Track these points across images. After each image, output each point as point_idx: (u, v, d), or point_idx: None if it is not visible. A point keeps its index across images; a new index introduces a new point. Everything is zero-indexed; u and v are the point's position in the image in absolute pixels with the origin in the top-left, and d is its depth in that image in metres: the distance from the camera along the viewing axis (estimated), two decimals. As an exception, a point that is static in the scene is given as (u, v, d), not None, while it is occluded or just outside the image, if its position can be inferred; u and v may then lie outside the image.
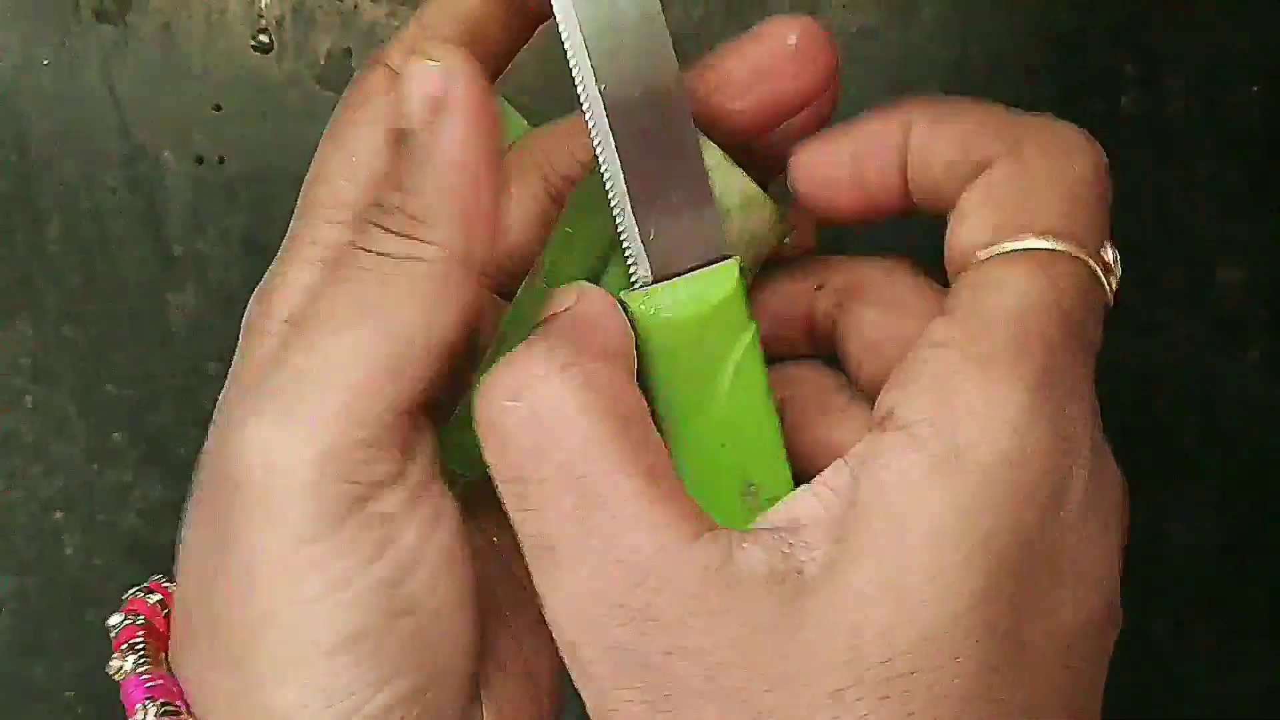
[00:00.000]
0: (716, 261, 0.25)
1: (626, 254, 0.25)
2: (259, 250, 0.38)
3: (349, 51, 0.38)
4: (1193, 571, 0.37)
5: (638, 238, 0.25)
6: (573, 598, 0.21)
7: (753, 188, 0.26)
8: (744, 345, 0.25)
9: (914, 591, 0.19)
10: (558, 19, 0.25)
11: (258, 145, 0.38)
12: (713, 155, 0.25)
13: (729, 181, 0.26)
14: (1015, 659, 0.20)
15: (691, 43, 0.37)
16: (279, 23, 0.38)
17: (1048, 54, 0.37)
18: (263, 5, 0.38)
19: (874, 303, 0.26)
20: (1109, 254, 0.24)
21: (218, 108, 0.38)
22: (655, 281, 0.25)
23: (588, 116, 0.25)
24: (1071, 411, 0.21)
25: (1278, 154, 0.37)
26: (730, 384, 0.25)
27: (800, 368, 0.28)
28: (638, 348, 0.25)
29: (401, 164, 0.22)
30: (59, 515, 0.39)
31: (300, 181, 0.38)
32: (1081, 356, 0.22)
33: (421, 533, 0.22)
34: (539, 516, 0.21)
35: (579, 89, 0.25)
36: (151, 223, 0.38)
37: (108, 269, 0.38)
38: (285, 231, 0.38)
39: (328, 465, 0.21)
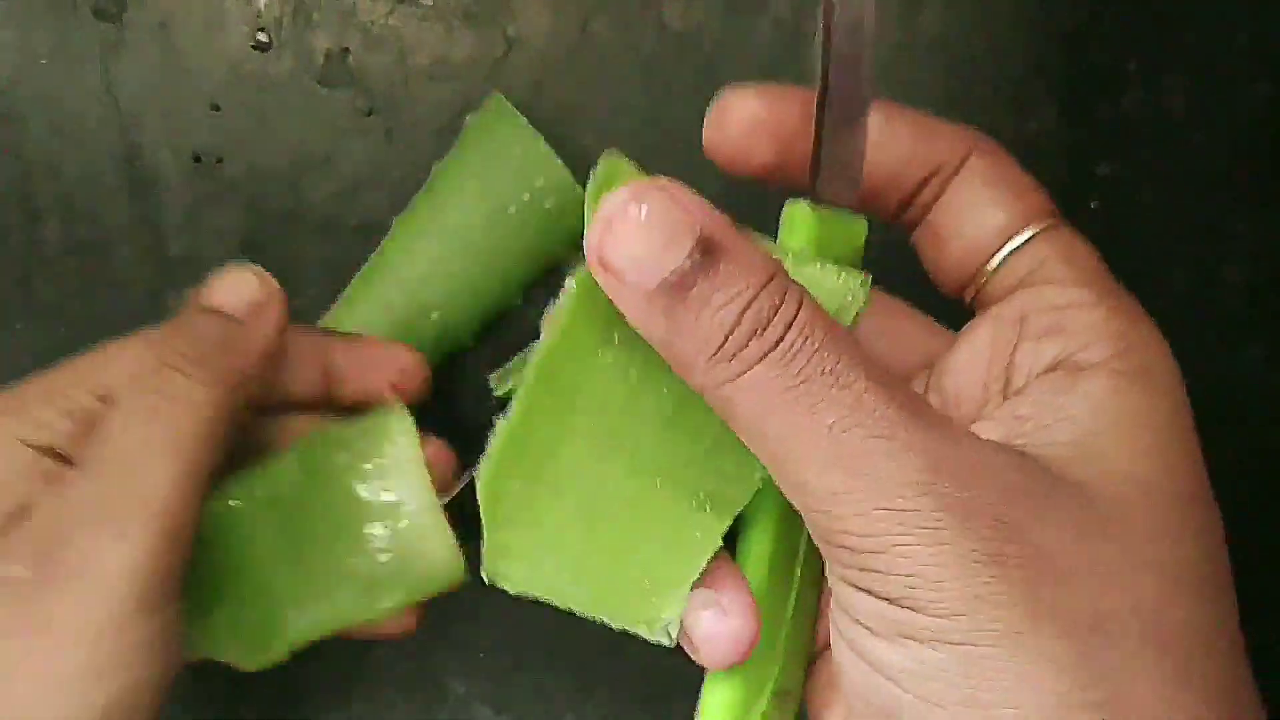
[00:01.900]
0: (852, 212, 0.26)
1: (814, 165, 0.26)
2: (257, 250, 0.38)
3: (347, 51, 0.38)
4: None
5: (831, 149, 0.26)
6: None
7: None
8: (858, 285, 0.25)
9: (1159, 465, 0.24)
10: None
11: (256, 144, 0.38)
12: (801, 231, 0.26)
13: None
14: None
15: (691, 43, 0.37)
16: (277, 22, 0.38)
17: (1049, 53, 0.37)
18: (261, 4, 0.38)
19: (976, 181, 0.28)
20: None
21: (216, 107, 0.38)
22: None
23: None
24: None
25: (1278, 153, 0.37)
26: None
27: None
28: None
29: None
30: (57, 516, 0.39)
31: (299, 181, 0.38)
32: None
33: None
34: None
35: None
36: (149, 222, 0.38)
37: (105, 268, 0.38)
38: (282, 231, 0.38)
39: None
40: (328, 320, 0.36)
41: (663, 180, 0.22)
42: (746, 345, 0.21)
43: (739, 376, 0.21)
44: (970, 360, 0.26)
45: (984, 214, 0.26)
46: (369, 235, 0.37)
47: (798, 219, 0.26)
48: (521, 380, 0.24)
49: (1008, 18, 0.37)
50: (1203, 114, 0.37)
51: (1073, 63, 0.37)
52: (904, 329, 0.29)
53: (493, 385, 0.37)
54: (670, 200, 0.22)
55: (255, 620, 0.30)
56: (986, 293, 0.27)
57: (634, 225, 0.21)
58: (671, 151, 0.37)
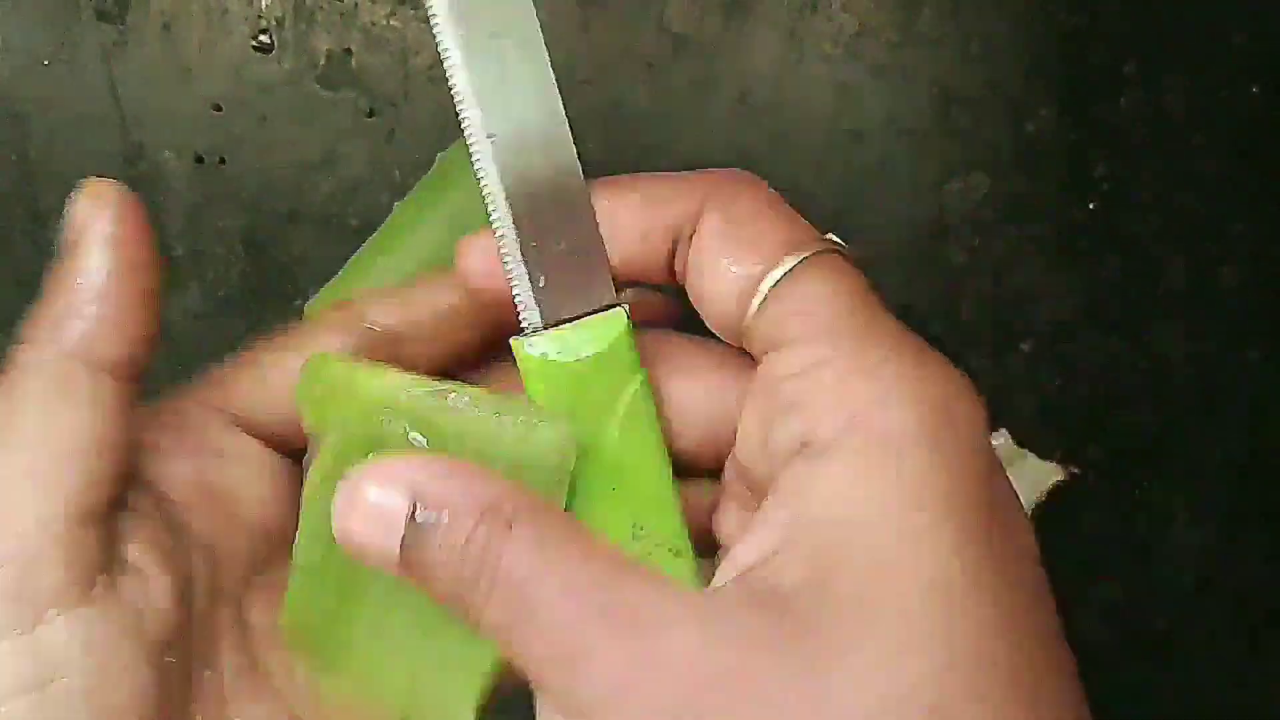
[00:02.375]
0: (606, 309, 0.26)
1: (517, 300, 0.26)
2: (259, 250, 0.38)
3: (349, 51, 0.38)
4: (1192, 569, 0.37)
5: (527, 284, 0.26)
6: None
7: None
8: (633, 390, 0.26)
9: (906, 556, 0.20)
10: (441, 54, 0.25)
11: (258, 145, 0.38)
12: None
13: None
14: (1001, 578, 0.21)
15: (691, 43, 0.37)
16: (279, 23, 0.38)
17: (1047, 54, 0.37)
18: (263, 5, 0.38)
19: (680, 372, 0.27)
20: (830, 236, 0.25)
21: (218, 107, 0.38)
22: (545, 328, 0.26)
23: (476, 160, 0.25)
24: (940, 360, 0.23)
25: (1277, 153, 0.37)
26: (621, 428, 0.26)
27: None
28: (529, 393, 0.26)
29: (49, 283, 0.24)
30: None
31: (299, 181, 0.38)
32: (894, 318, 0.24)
33: (91, 678, 0.22)
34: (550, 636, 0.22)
35: (467, 134, 0.26)
36: (152, 222, 0.38)
37: (108, 269, 0.38)
38: (284, 231, 0.38)
39: None
40: (317, 304, 0.37)
41: (381, 462, 0.23)
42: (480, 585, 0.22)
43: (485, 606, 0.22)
44: (745, 442, 0.25)
45: (719, 275, 0.24)
46: (370, 235, 0.37)
47: (520, 360, 0.26)
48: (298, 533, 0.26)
49: (1006, 19, 0.37)
50: (1201, 115, 0.37)
51: (1071, 64, 0.37)
52: (699, 384, 0.27)
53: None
54: (384, 480, 0.22)
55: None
56: (756, 355, 0.25)
57: (360, 513, 0.22)
58: (671, 152, 0.37)
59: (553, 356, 0.25)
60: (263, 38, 0.38)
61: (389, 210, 0.37)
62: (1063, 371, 0.37)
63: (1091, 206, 0.37)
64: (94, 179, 0.24)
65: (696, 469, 0.27)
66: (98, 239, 0.24)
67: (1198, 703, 0.37)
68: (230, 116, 0.38)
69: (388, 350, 0.27)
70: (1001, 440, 0.37)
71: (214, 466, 0.26)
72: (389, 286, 0.35)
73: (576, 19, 0.37)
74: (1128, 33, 0.37)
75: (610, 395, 0.25)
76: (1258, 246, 0.37)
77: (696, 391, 0.26)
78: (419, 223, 0.36)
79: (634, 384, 0.26)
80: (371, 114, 0.38)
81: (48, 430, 0.23)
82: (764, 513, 0.22)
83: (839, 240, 0.25)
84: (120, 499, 0.24)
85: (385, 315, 0.27)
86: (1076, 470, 0.36)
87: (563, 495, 0.25)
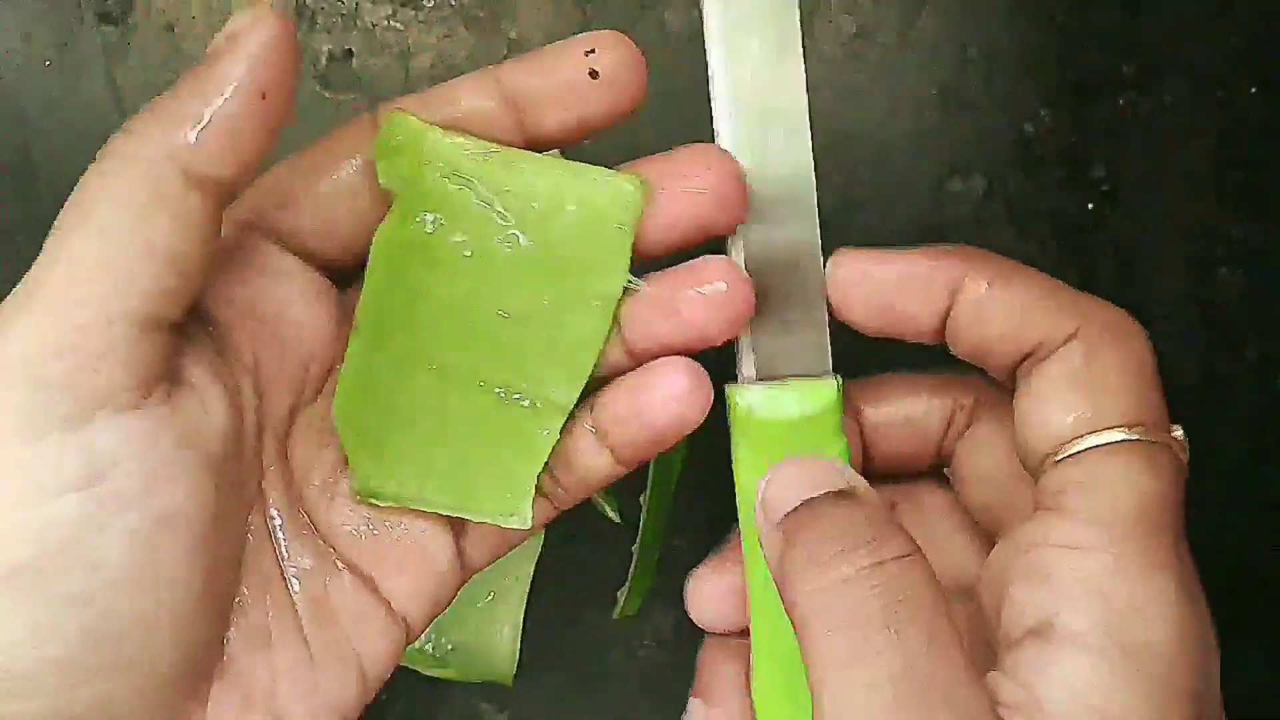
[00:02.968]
0: (819, 377, 0.27)
1: (737, 348, 0.27)
2: (261, 250, 0.38)
3: (350, 53, 0.38)
4: (1191, 570, 0.37)
5: (747, 336, 0.27)
6: None
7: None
8: (834, 455, 0.27)
9: None
10: (714, 124, 0.28)
11: (259, 146, 0.38)
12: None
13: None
14: None
15: (692, 45, 0.37)
16: (281, 24, 0.38)
17: (1046, 55, 0.37)
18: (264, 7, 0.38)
19: (992, 422, 0.28)
20: (1178, 432, 0.25)
21: (220, 109, 0.38)
22: (758, 380, 0.27)
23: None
24: (1199, 590, 0.23)
25: (1275, 154, 0.37)
26: None
27: (916, 487, 0.30)
28: (733, 438, 0.27)
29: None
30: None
31: (302, 182, 0.38)
32: (1183, 534, 0.24)
33: (143, 482, 0.21)
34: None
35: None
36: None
37: (110, 269, 0.38)
38: (287, 232, 0.38)
39: (32, 367, 0.20)
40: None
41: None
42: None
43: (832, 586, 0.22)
44: (986, 590, 0.25)
45: (1050, 412, 0.24)
46: (371, 236, 0.37)
47: (730, 408, 0.27)
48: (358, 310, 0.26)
49: (1005, 20, 0.37)
50: (1198, 116, 0.37)
51: (1070, 65, 0.37)
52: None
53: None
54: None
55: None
56: (1040, 496, 0.25)
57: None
58: (671, 153, 0.38)
59: (759, 411, 0.27)
60: (264, 39, 0.38)
61: (390, 211, 0.37)
62: (1061, 371, 0.37)
63: (1090, 207, 0.37)
64: (272, 16, 0.22)
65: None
66: (245, 52, 0.22)
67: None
68: (232, 117, 0.38)
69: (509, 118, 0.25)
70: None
71: (259, 287, 0.25)
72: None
73: (576, 19, 0.38)
74: (1126, 34, 0.37)
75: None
76: (1256, 247, 0.37)
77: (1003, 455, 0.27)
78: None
79: (834, 451, 0.27)
80: (373, 115, 0.38)
81: (131, 227, 0.21)
82: (993, 681, 0.22)
83: (1181, 435, 0.25)
84: (183, 319, 0.22)
85: (479, 95, 0.25)
86: None
87: (628, 246, 0.25)
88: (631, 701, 0.38)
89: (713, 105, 0.27)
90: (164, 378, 0.22)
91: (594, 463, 0.27)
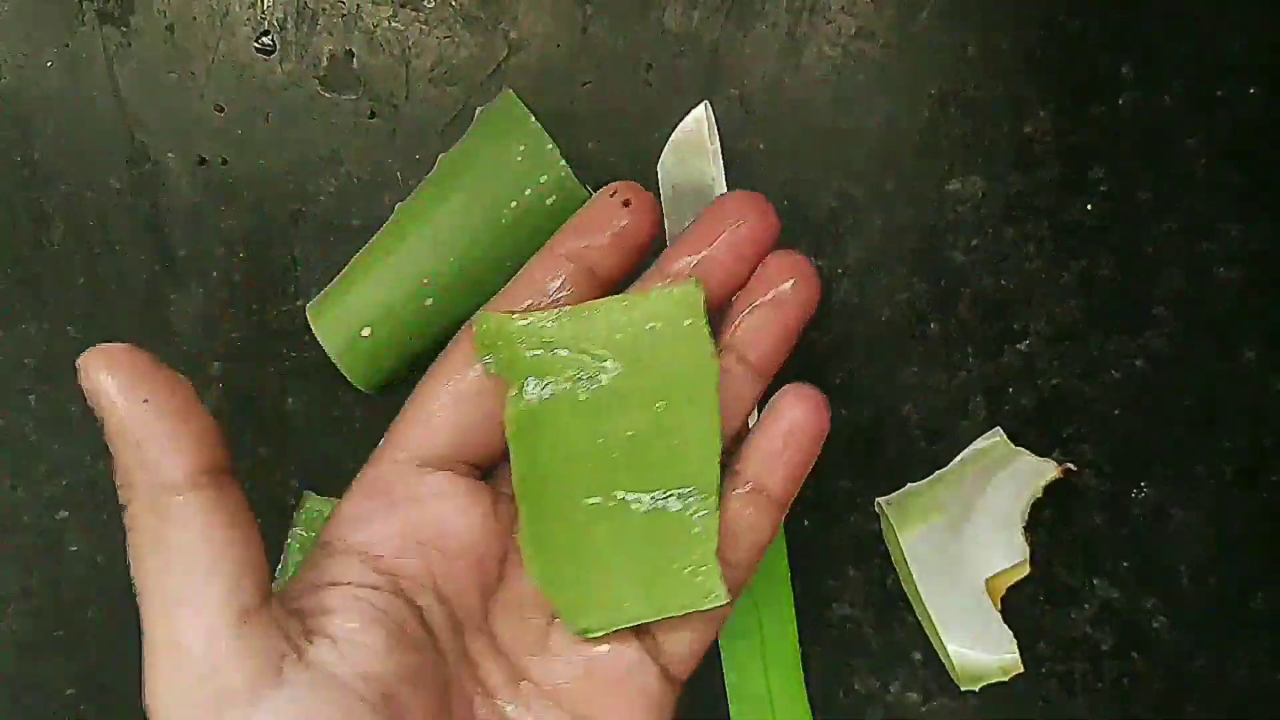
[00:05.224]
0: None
1: None
2: (261, 250, 0.38)
3: (351, 54, 0.38)
4: (1189, 568, 0.37)
5: None
6: None
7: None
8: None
9: None
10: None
11: (260, 146, 0.38)
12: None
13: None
14: None
15: (691, 46, 0.38)
16: (281, 25, 0.38)
17: (1045, 56, 0.37)
18: (265, 7, 0.38)
19: None
20: None
21: (220, 109, 0.38)
22: None
23: None
24: None
25: (1274, 155, 0.37)
26: None
27: None
28: None
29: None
30: (63, 514, 0.39)
31: (301, 182, 0.38)
32: None
33: None
34: None
35: None
36: (155, 223, 0.39)
37: (111, 269, 0.39)
38: (286, 232, 0.38)
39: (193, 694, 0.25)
40: (318, 303, 0.37)
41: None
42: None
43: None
44: None
45: None
46: (372, 236, 0.37)
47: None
48: (512, 479, 0.29)
49: (1004, 21, 0.37)
50: (1198, 116, 0.37)
51: (1069, 66, 0.37)
52: None
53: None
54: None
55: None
56: None
57: None
58: (671, 153, 0.38)
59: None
60: (265, 40, 0.38)
61: (390, 211, 0.37)
62: (1060, 371, 0.37)
63: (1089, 207, 0.37)
64: (95, 352, 0.26)
65: None
66: (110, 397, 0.26)
67: (1195, 701, 0.37)
68: (233, 118, 0.38)
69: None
70: (996, 439, 0.37)
71: (415, 513, 0.29)
72: (390, 288, 0.36)
73: (577, 19, 0.38)
74: (1125, 34, 0.37)
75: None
76: (1254, 248, 0.37)
77: None
78: (421, 224, 0.36)
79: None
80: (373, 115, 0.38)
81: (172, 558, 0.25)
82: None
83: None
84: (267, 590, 0.26)
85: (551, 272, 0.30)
86: (1073, 467, 0.37)
87: (705, 335, 0.29)
88: (631, 700, 0.38)
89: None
90: (290, 649, 0.25)
91: (757, 521, 0.30)
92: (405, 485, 0.29)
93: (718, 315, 0.30)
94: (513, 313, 0.29)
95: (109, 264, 0.39)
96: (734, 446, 0.30)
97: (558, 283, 0.30)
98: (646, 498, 0.29)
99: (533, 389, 0.29)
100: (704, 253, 0.30)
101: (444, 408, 0.29)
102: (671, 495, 0.29)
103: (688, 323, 0.29)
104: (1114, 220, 0.37)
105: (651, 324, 0.29)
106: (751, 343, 0.30)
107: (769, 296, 0.30)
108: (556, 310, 0.29)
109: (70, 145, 0.38)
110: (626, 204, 0.30)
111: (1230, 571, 0.37)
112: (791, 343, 0.30)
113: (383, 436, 0.30)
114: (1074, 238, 0.37)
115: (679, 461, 0.29)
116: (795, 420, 0.30)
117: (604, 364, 0.29)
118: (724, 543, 0.29)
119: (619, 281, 0.30)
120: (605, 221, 0.30)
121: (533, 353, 0.29)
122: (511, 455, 0.29)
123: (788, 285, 0.30)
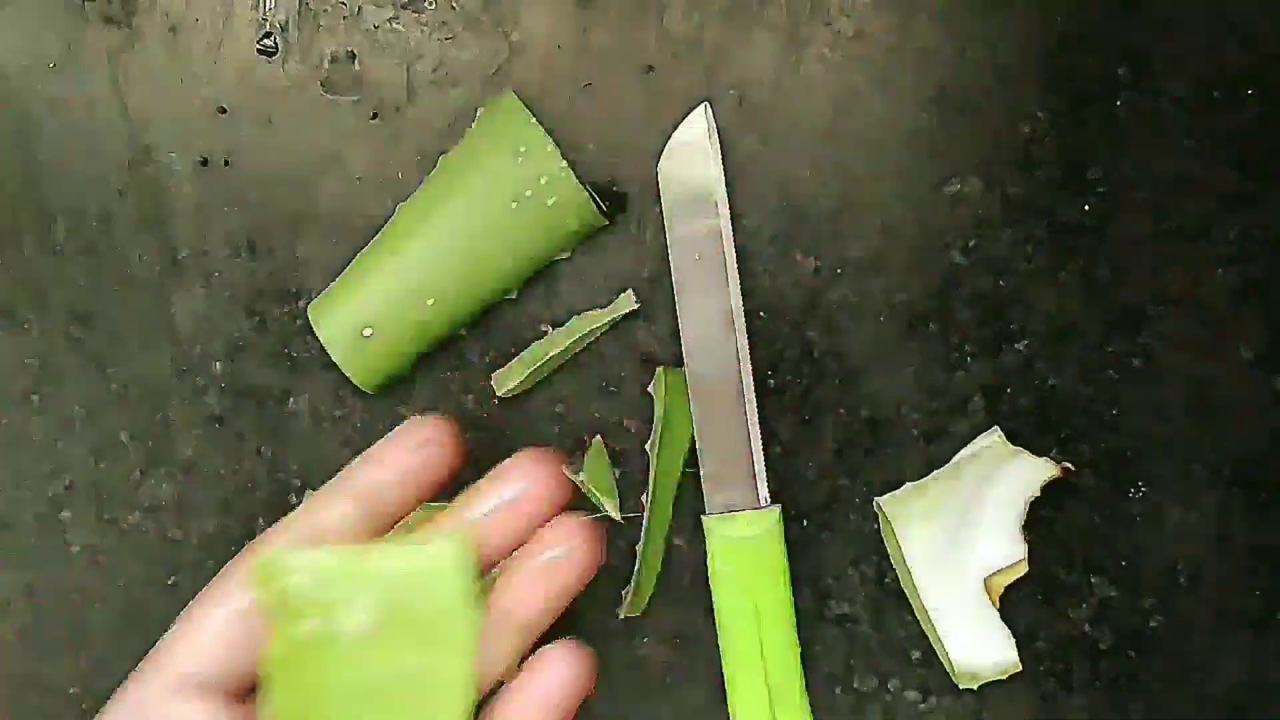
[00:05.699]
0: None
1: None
2: (264, 251, 0.38)
3: (353, 55, 0.38)
4: (1186, 567, 0.37)
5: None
6: None
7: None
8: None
9: None
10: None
11: (263, 147, 0.38)
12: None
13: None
14: None
15: (691, 48, 0.38)
16: (284, 26, 0.38)
17: (1044, 57, 0.37)
18: (268, 9, 0.38)
19: None
20: None
21: (223, 110, 0.38)
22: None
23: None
24: None
25: (1271, 156, 0.37)
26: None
27: None
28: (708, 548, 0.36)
29: None
30: (65, 514, 0.39)
31: (303, 183, 0.38)
32: None
33: None
34: None
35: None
36: (157, 224, 0.39)
37: (114, 270, 0.39)
38: (289, 233, 0.38)
39: None
40: (320, 303, 0.37)
41: None
42: None
43: None
44: None
45: None
46: (373, 236, 0.37)
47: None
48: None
49: (1001, 22, 0.37)
50: (1195, 118, 0.37)
51: (1067, 67, 0.37)
52: None
53: (495, 386, 0.38)
54: None
55: None
56: None
57: None
58: (671, 154, 0.38)
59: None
60: (267, 41, 0.38)
61: (392, 212, 0.38)
62: (1058, 371, 0.38)
63: (1087, 208, 0.37)
64: None
65: None
66: None
67: (1192, 700, 0.38)
68: (235, 119, 0.38)
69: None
70: (995, 438, 0.37)
71: None
72: (391, 289, 0.36)
73: (577, 21, 0.38)
74: (1123, 36, 0.37)
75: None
76: (1251, 248, 0.37)
77: None
78: (423, 224, 0.36)
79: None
80: (375, 117, 0.38)
81: None
82: None
83: None
84: None
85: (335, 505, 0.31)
86: (1071, 467, 0.37)
87: (468, 593, 0.30)
88: (632, 699, 0.38)
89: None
90: None
91: None
92: (158, 712, 0.29)
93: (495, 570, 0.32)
94: (291, 550, 0.30)
95: (111, 264, 0.39)
96: (489, 699, 0.31)
97: (339, 517, 0.31)
98: None
99: (297, 625, 0.30)
100: (488, 508, 0.31)
101: (214, 630, 0.30)
102: None
103: (453, 575, 0.30)
104: (1112, 221, 0.38)
105: (419, 573, 0.30)
106: (519, 600, 0.31)
107: (543, 558, 0.31)
108: (331, 549, 0.30)
109: (73, 146, 0.39)
110: (421, 445, 0.31)
111: (1228, 570, 0.38)
112: (563, 603, 0.31)
113: (155, 645, 0.30)
114: (1072, 238, 0.37)
115: (431, 711, 0.30)
116: (552, 681, 0.30)
117: (368, 607, 0.30)
118: None
119: (405, 519, 0.32)
120: (395, 461, 0.31)
121: (302, 590, 0.30)
122: (270, 689, 0.29)
123: (561, 550, 0.30)
